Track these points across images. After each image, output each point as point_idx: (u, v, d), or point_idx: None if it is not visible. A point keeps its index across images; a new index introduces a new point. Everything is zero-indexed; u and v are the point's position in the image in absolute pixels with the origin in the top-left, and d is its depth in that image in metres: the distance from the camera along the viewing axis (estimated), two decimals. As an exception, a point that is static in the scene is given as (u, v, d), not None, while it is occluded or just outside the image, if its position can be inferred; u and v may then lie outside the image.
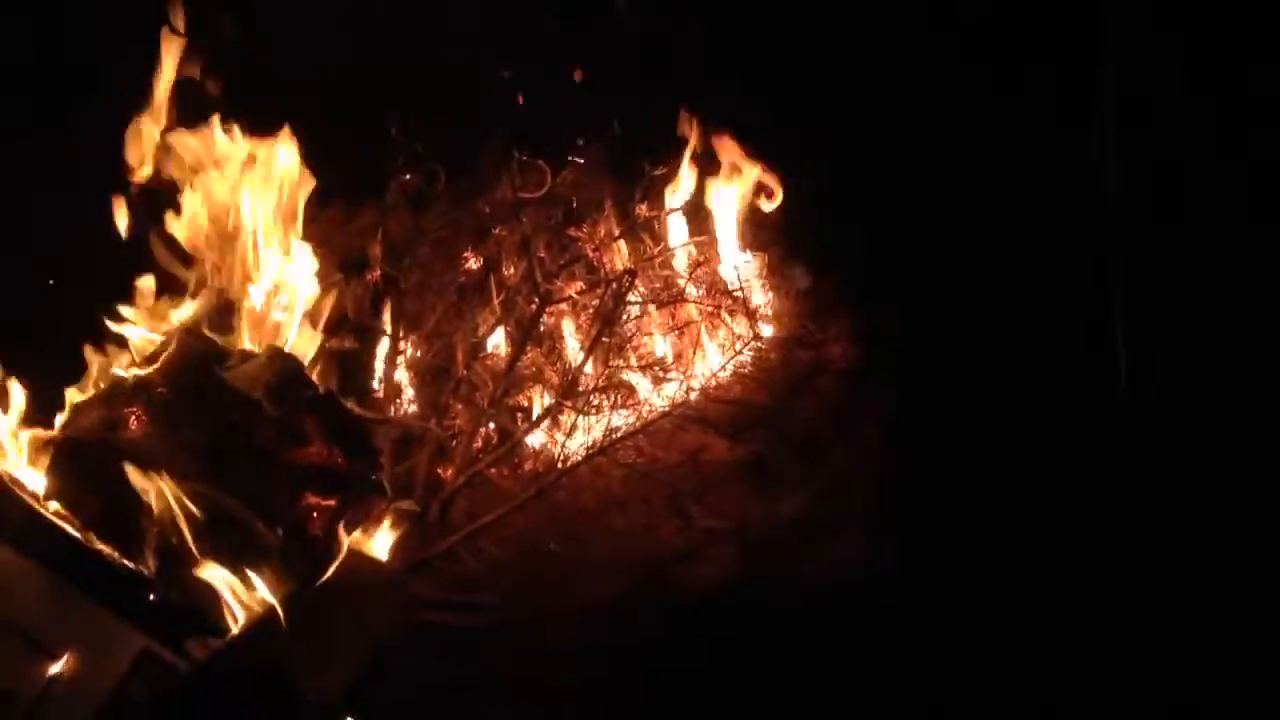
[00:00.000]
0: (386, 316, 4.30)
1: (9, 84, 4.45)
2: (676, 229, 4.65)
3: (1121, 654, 3.74)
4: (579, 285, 4.37)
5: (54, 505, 3.13)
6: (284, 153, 3.64)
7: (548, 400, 4.16)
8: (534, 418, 4.13)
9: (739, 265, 4.55)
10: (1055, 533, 4.11)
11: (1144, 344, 4.51)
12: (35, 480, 3.17)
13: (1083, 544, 4.08)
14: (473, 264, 4.54)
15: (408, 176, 4.50)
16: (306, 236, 3.75)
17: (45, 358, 3.38)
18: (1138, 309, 4.61)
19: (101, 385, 3.31)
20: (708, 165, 4.69)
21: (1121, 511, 4.18)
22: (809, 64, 5.07)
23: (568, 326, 4.44)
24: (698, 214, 4.64)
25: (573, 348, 4.33)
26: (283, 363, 3.34)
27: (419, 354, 4.34)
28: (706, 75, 4.95)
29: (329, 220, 4.26)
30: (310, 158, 3.73)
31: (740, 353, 4.25)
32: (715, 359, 4.32)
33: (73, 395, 3.31)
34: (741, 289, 4.45)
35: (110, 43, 4.50)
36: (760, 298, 4.54)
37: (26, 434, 3.22)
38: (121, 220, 3.58)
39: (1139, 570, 3.99)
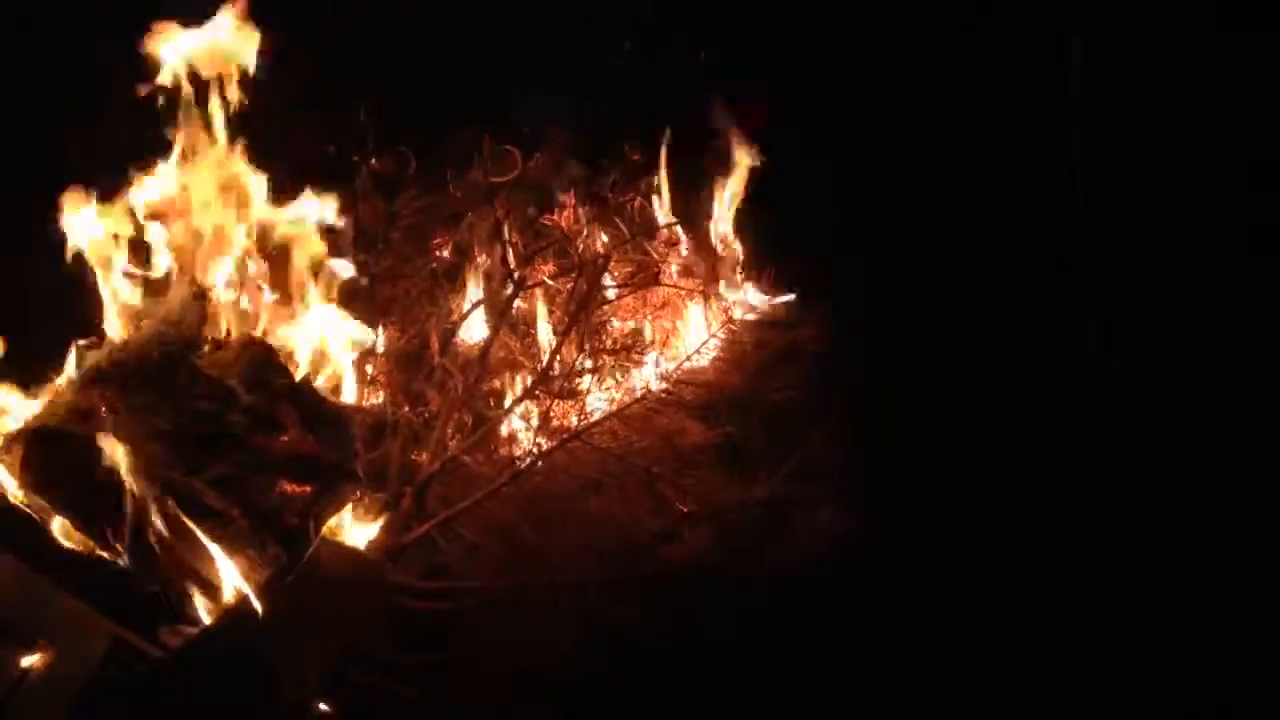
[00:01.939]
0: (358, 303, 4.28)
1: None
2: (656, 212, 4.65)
3: (1089, 621, 3.79)
4: (552, 269, 4.35)
5: (26, 495, 3.12)
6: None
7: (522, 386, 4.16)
8: (508, 403, 4.12)
9: (714, 247, 4.55)
10: (1024, 507, 4.15)
11: (1110, 318, 4.56)
12: (7, 470, 3.15)
13: (1051, 515, 4.13)
14: (445, 251, 4.52)
15: (375, 162, 4.48)
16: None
17: (19, 346, 3.36)
18: (1105, 290, 4.66)
19: (75, 374, 3.29)
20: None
21: (1089, 483, 4.23)
22: (786, 57, 5.10)
23: (541, 311, 4.43)
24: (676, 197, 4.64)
25: (547, 333, 4.32)
26: (257, 350, 3.33)
27: (392, 340, 4.32)
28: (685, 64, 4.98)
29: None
30: (280, 143, 3.72)
31: (714, 335, 4.25)
32: (689, 342, 4.33)
33: (46, 384, 3.29)
34: (715, 270, 4.46)
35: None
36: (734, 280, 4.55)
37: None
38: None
39: (1106, 540, 4.04)
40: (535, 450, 3.95)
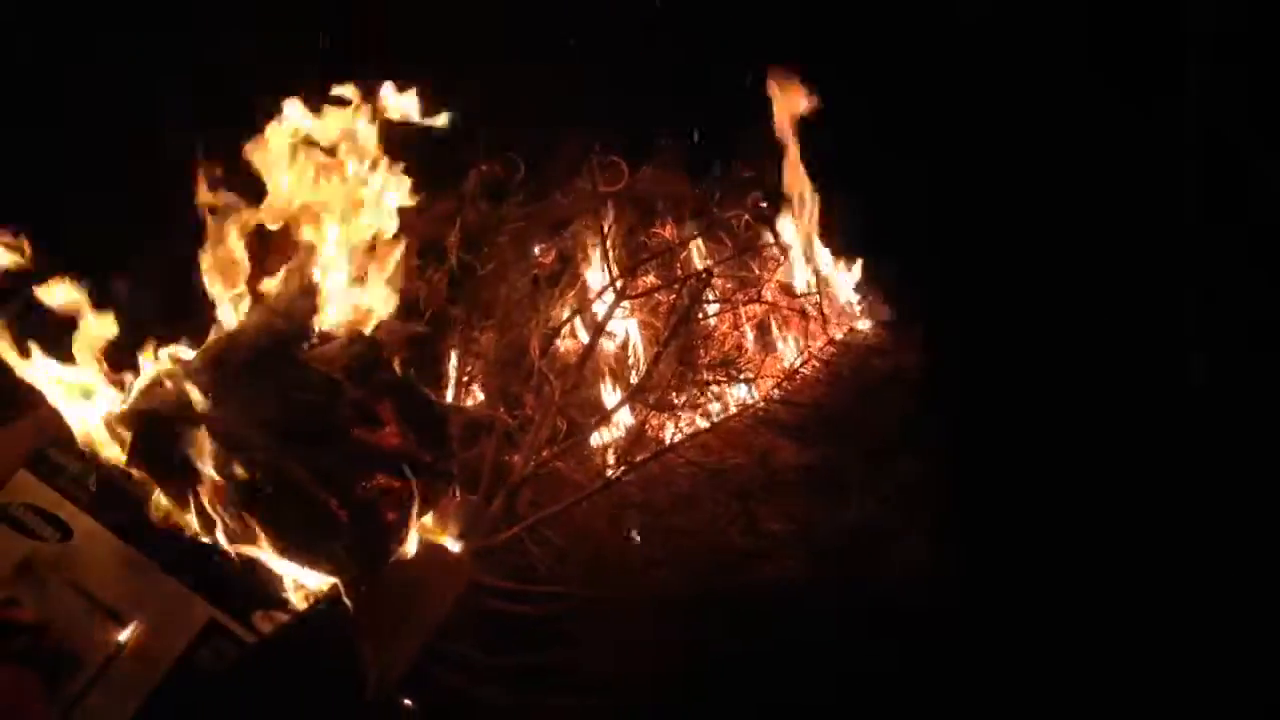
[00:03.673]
0: (461, 304, 4.32)
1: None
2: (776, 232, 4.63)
3: (1188, 665, 3.71)
4: (654, 282, 4.36)
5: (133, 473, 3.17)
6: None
7: (619, 395, 4.17)
8: (605, 412, 4.13)
9: (818, 269, 4.54)
10: (1122, 544, 4.08)
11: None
12: (116, 450, 3.21)
13: (1150, 554, 4.05)
14: (548, 257, 4.54)
15: (485, 167, 4.51)
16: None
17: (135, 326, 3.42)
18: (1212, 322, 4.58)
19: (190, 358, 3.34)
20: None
21: (1190, 523, 4.15)
22: (902, 81, 5.09)
23: (637, 324, 4.44)
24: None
25: (645, 344, 4.33)
26: (362, 345, 3.36)
27: (491, 342, 4.34)
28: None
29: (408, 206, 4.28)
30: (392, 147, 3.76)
31: (814, 357, 4.24)
32: (788, 361, 4.32)
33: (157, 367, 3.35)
34: (818, 293, 4.45)
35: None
36: (838, 301, 4.54)
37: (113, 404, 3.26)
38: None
39: (1207, 578, 3.95)
40: (628, 460, 3.95)
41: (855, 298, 4.68)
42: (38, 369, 3.24)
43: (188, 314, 3.50)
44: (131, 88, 4.65)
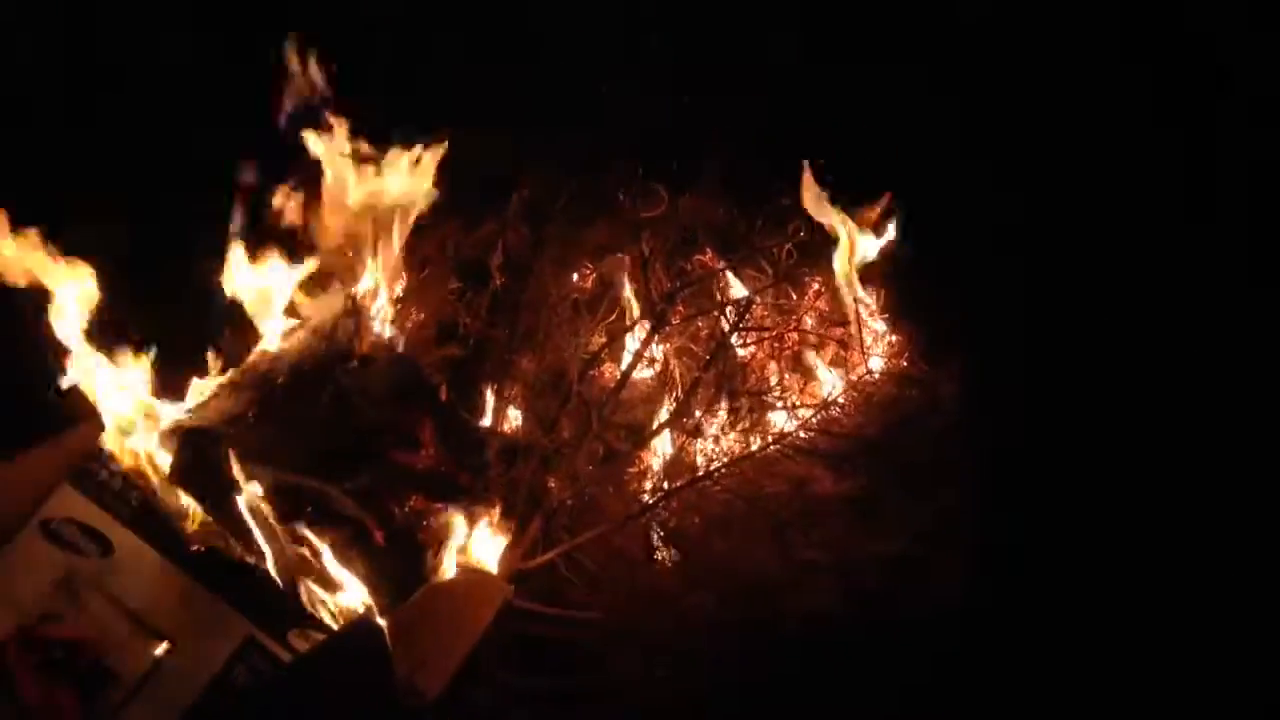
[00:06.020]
0: (501, 327, 4.33)
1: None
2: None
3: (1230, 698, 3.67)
4: (694, 309, 4.36)
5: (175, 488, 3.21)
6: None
7: (657, 422, 4.17)
8: (642, 438, 4.13)
9: (857, 298, 4.52)
10: (1159, 577, 4.05)
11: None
12: (159, 466, 3.25)
13: (1188, 588, 4.01)
14: (588, 282, 4.55)
15: (528, 191, 4.53)
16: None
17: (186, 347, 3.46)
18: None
19: (231, 378, 3.38)
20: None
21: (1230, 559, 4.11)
22: (942, 107, 5.07)
23: (676, 351, 4.43)
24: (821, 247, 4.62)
25: (684, 371, 4.32)
26: (403, 368, 3.39)
27: (531, 367, 4.35)
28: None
29: (450, 230, 4.31)
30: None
31: (852, 387, 4.22)
32: (826, 390, 4.30)
33: (204, 384, 3.39)
34: (857, 322, 4.43)
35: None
36: (876, 332, 4.52)
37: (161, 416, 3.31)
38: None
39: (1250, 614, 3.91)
40: (665, 486, 3.95)
41: (893, 327, 4.65)
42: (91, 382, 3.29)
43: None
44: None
